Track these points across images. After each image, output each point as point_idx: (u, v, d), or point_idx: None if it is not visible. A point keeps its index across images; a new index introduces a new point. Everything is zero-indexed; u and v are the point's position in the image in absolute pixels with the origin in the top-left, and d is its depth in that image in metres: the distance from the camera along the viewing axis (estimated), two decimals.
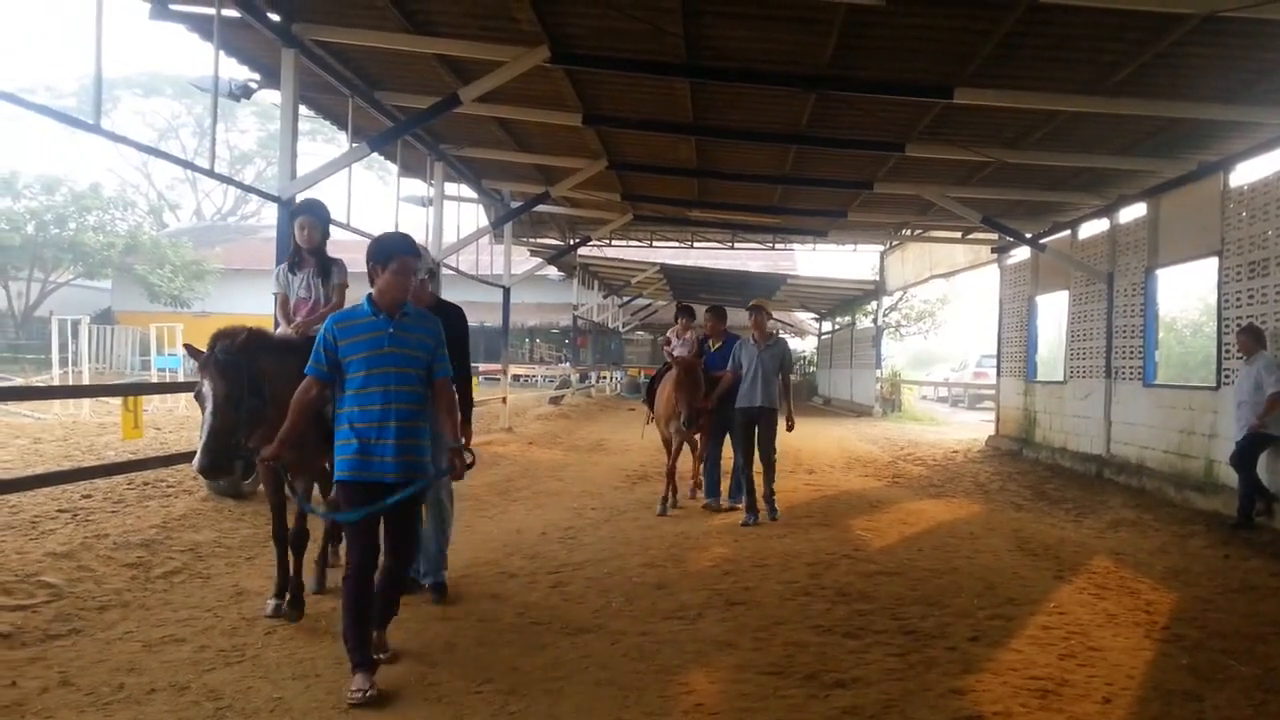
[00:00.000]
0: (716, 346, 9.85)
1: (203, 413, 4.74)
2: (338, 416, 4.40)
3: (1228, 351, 10.44)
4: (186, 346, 5.06)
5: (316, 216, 6.18)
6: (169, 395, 19.96)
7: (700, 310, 10.51)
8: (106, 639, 4.91)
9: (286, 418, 4.47)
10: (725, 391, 9.08)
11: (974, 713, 4.22)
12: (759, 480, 8.96)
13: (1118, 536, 8.75)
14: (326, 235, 6.28)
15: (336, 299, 6.09)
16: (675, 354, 9.71)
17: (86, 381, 21.59)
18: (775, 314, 35.72)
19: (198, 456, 4.67)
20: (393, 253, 4.35)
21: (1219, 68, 8.55)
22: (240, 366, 4.83)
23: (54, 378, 21.64)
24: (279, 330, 6.13)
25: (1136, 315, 12.88)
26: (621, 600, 6.02)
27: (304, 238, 6.12)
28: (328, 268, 6.20)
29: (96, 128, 7.26)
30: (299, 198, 7.68)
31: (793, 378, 10.38)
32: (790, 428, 9.27)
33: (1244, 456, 9.12)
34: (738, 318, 11.29)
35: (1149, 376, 12.58)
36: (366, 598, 4.33)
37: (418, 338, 4.42)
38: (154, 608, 5.51)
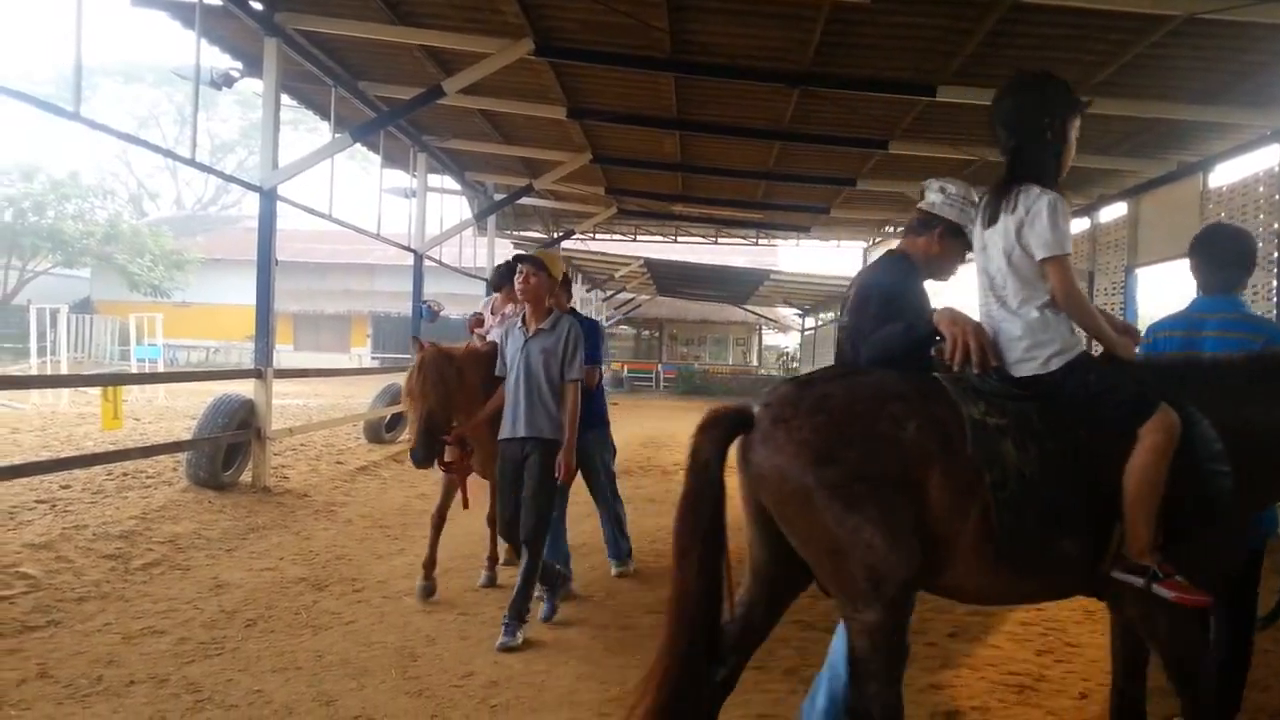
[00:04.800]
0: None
1: None
2: None
3: None
4: None
5: None
6: (148, 386, 19.83)
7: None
8: (85, 631, 4.88)
9: None
10: (499, 407, 5.32)
11: (952, 708, 4.25)
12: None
13: None
14: None
15: None
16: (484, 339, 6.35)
17: (64, 371, 21.39)
18: (757, 310, 35.36)
19: None
20: None
21: (1199, 69, 8.62)
22: None
23: (32, 367, 21.40)
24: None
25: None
26: (602, 594, 6.05)
27: None
28: None
29: (75, 115, 7.19)
30: None
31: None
32: (563, 477, 5.14)
33: None
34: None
35: None
36: None
37: None
38: (133, 599, 5.48)
